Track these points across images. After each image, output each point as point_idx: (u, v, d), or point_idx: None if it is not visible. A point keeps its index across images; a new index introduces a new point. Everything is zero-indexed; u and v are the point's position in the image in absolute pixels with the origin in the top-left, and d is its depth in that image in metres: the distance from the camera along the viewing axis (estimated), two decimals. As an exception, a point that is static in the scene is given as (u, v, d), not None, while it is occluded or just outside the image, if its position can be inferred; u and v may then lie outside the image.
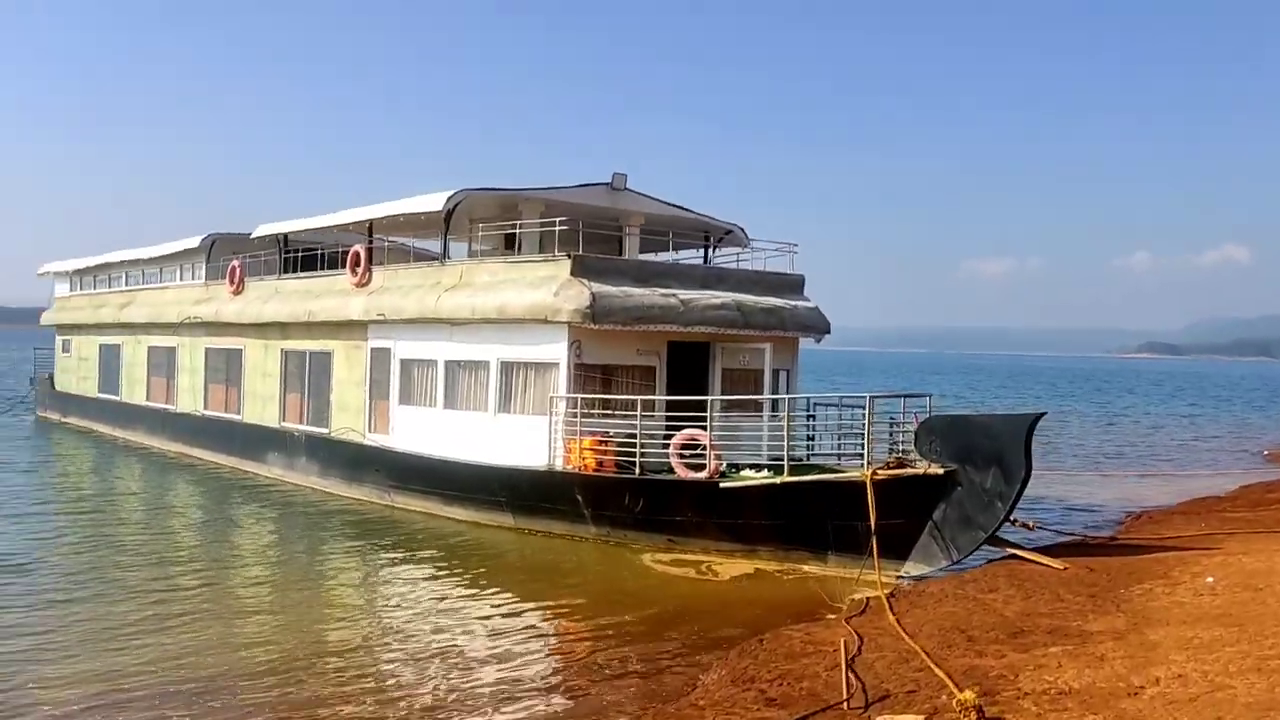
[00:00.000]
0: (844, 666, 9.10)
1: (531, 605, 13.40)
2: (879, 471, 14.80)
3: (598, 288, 17.11)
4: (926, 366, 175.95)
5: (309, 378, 23.18)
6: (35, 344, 43.69)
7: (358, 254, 21.51)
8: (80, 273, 37.01)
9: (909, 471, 14.67)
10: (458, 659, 10.97)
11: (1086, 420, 51.81)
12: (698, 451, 16.25)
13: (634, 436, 16.55)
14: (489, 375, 18.47)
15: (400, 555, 16.51)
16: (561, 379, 17.31)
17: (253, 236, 25.62)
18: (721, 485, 15.77)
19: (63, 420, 36.74)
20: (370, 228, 21.69)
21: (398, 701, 9.59)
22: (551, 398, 17.39)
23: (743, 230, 22.30)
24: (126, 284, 33.43)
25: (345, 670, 10.47)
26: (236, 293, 25.76)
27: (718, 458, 16.16)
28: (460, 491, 18.78)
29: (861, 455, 15.33)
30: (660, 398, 17.58)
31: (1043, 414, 14.37)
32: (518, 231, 19.99)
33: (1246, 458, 34.22)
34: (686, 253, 23.73)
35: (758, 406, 18.43)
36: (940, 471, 14.45)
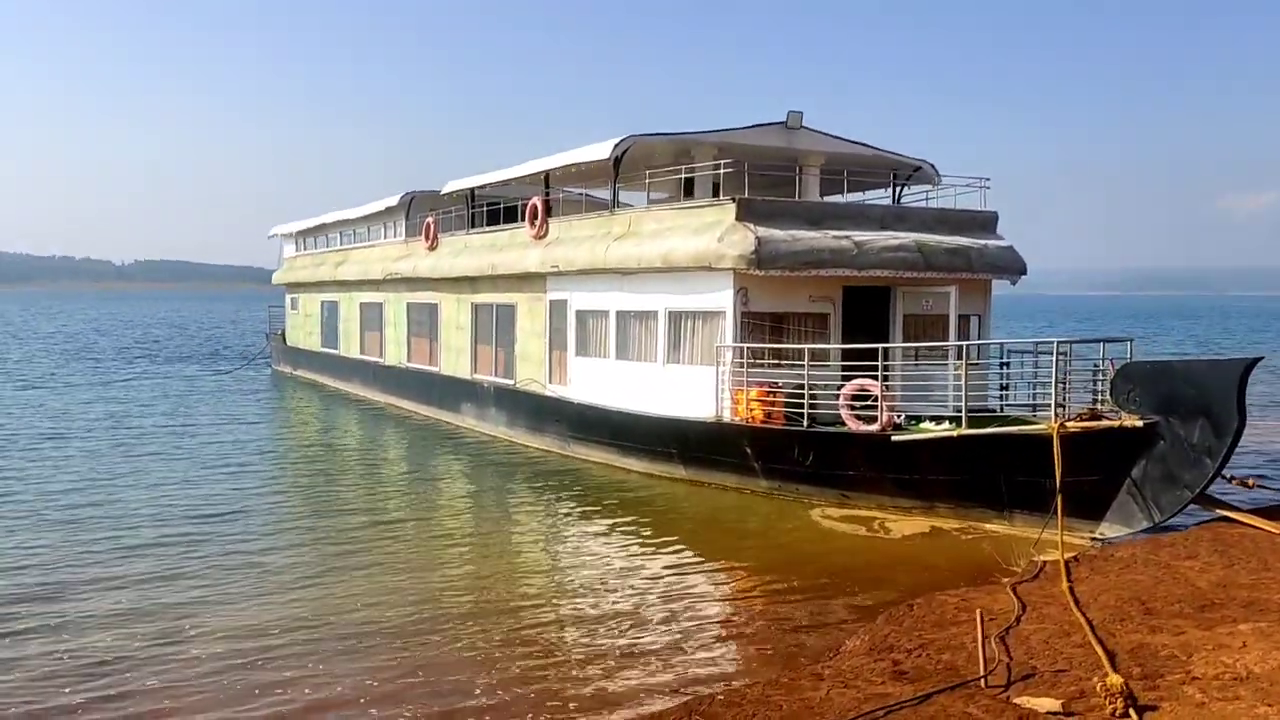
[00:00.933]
0: (980, 639, 8.25)
1: (696, 562, 13.03)
2: (1067, 424, 13.54)
3: (764, 232, 16.39)
4: (1171, 311, 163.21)
5: (496, 330, 23.59)
6: (270, 303, 46.85)
7: (535, 206, 21.58)
8: (302, 234, 39.23)
9: (1103, 424, 13.33)
10: (616, 619, 10.56)
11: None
12: (870, 402, 15.39)
13: (803, 387, 15.83)
14: (657, 325, 18.14)
15: (574, 508, 16.47)
16: (728, 328, 16.76)
17: (442, 193, 26.23)
18: (893, 439, 14.85)
19: (293, 374, 39.24)
20: (546, 179, 21.67)
21: (556, 654, 9.48)
22: (718, 347, 16.88)
23: (933, 166, 20.89)
24: (340, 243, 35.16)
25: (516, 626, 10.29)
26: (431, 248, 26.49)
27: (891, 409, 15.23)
28: (634, 443, 18.62)
29: (1057, 406, 14.04)
30: (833, 346, 16.73)
31: (1259, 359, 12.66)
32: (693, 176, 19.45)
33: None
34: (876, 194, 22.60)
35: (946, 354, 17.28)
36: (1139, 424, 13.05)
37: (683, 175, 18.35)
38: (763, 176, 20.25)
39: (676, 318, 17.81)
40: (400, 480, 19.13)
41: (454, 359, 25.55)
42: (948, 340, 17.05)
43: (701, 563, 13.01)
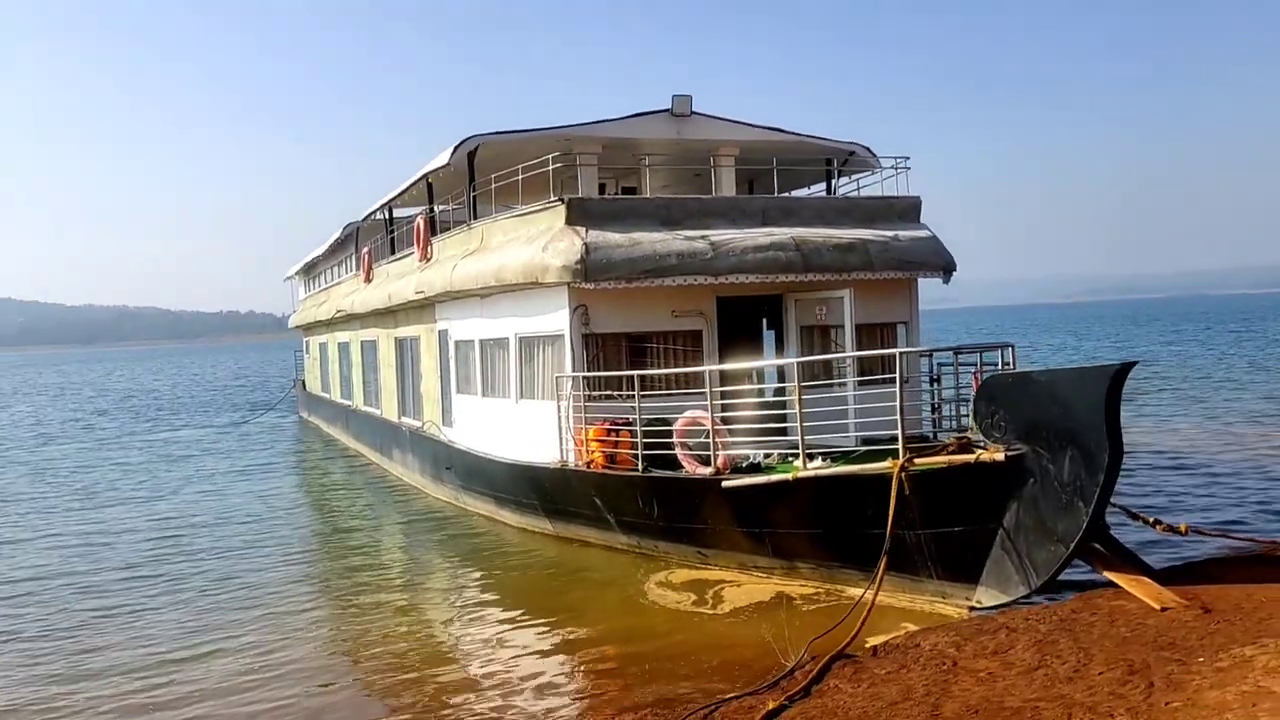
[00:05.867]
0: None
1: (513, 636, 10.83)
2: (915, 460, 10.34)
3: (595, 236, 13.58)
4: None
5: (408, 366, 21.31)
6: (296, 348, 45.85)
7: (418, 226, 19.20)
8: (304, 273, 37.95)
9: (949, 460, 10.08)
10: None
11: None
12: (722, 436, 12.40)
13: (660, 423, 12.93)
14: (509, 354, 15.50)
15: (434, 571, 14.12)
16: (567, 354, 13.99)
17: (364, 219, 24.19)
18: (723, 485, 11.82)
19: (308, 420, 37.66)
20: (429, 194, 19.20)
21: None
22: (557, 378, 14.12)
23: (869, 150, 17.67)
24: (324, 281, 33.62)
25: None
26: (367, 281, 24.45)
27: (728, 446, 12.22)
28: (502, 493, 15.97)
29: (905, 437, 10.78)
30: (670, 370, 13.81)
31: (1131, 364, 9.18)
32: (605, 181, 16.76)
33: None
34: (820, 188, 19.45)
35: (843, 373, 14.14)
36: (1001, 457, 9.76)
37: (518, 175, 15.54)
38: (662, 169, 17.51)
39: (527, 344, 15.13)
40: (289, 546, 16.14)
41: (389, 400, 23.37)
42: (846, 354, 13.86)
43: (515, 637, 10.67)
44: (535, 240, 14.14)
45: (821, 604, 11.13)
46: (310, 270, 36.49)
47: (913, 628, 9.93)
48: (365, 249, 24.64)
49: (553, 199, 14.18)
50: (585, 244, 13.42)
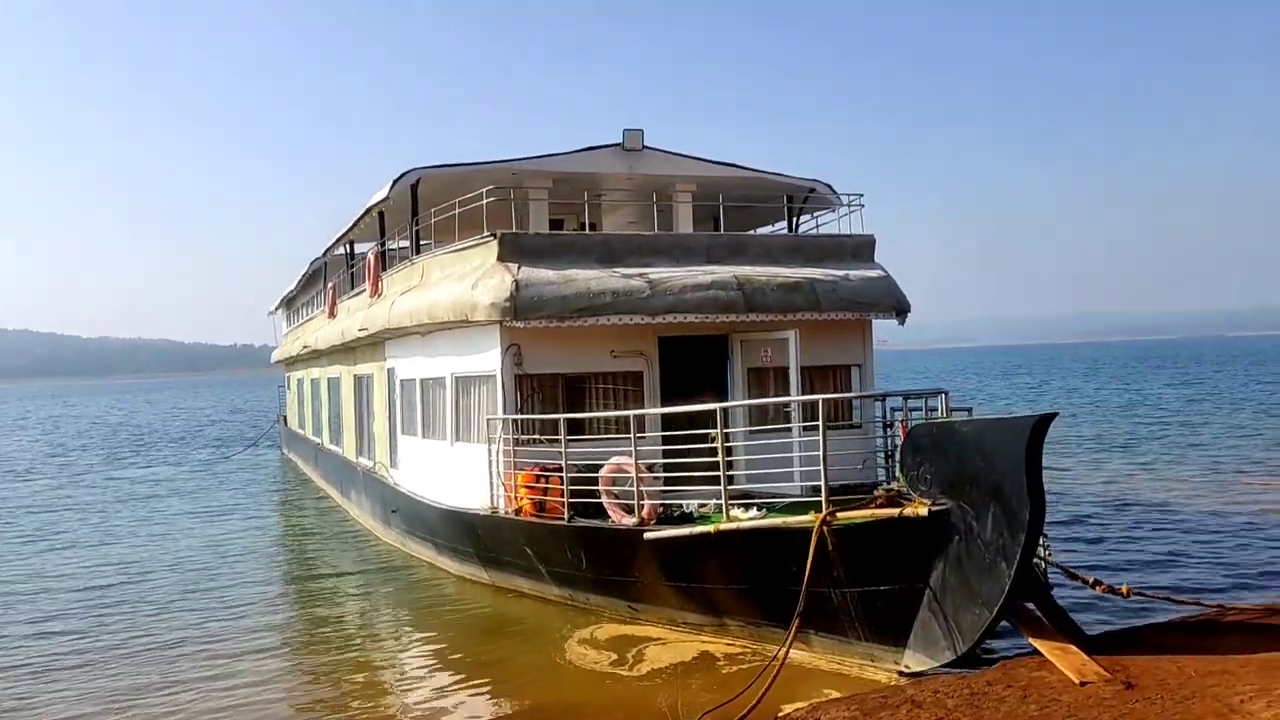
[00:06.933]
0: None
1: (420, 701, 10.10)
2: (838, 514, 9.70)
3: (526, 273, 13.03)
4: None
5: (364, 405, 20.74)
6: (280, 383, 45.34)
7: (369, 261, 18.71)
8: (284, 307, 37.55)
9: (872, 514, 9.43)
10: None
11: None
12: (657, 485, 11.79)
13: (594, 469, 12.29)
14: (445, 394, 14.91)
15: (366, 627, 13.28)
16: (499, 395, 13.39)
17: (323, 253, 23.74)
18: (645, 536, 11.17)
19: (289, 456, 37.05)
20: (380, 227, 18.64)
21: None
22: (489, 420, 13.52)
23: (829, 187, 17.12)
24: (302, 315, 33.17)
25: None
26: (331, 316, 23.95)
27: (652, 495, 11.57)
28: (440, 539, 15.33)
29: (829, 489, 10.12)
30: (603, 414, 13.24)
31: (1052, 416, 8.53)
32: (562, 218, 16.23)
33: None
34: (782, 226, 18.92)
35: (789, 419, 13.52)
36: (924, 512, 9.11)
37: (454, 210, 14.98)
38: (618, 204, 17.01)
39: (464, 384, 14.54)
40: (228, 599, 15.03)
41: (349, 439, 22.77)
42: (790, 399, 13.21)
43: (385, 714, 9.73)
44: (467, 277, 13.61)
45: (746, 664, 10.45)
46: (290, 304, 36.10)
47: (834, 694, 9.28)
48: (330, 283, 24.18)
49: (486, 234, 13.64)
50: (515, 281, 12.86)
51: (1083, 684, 7.69)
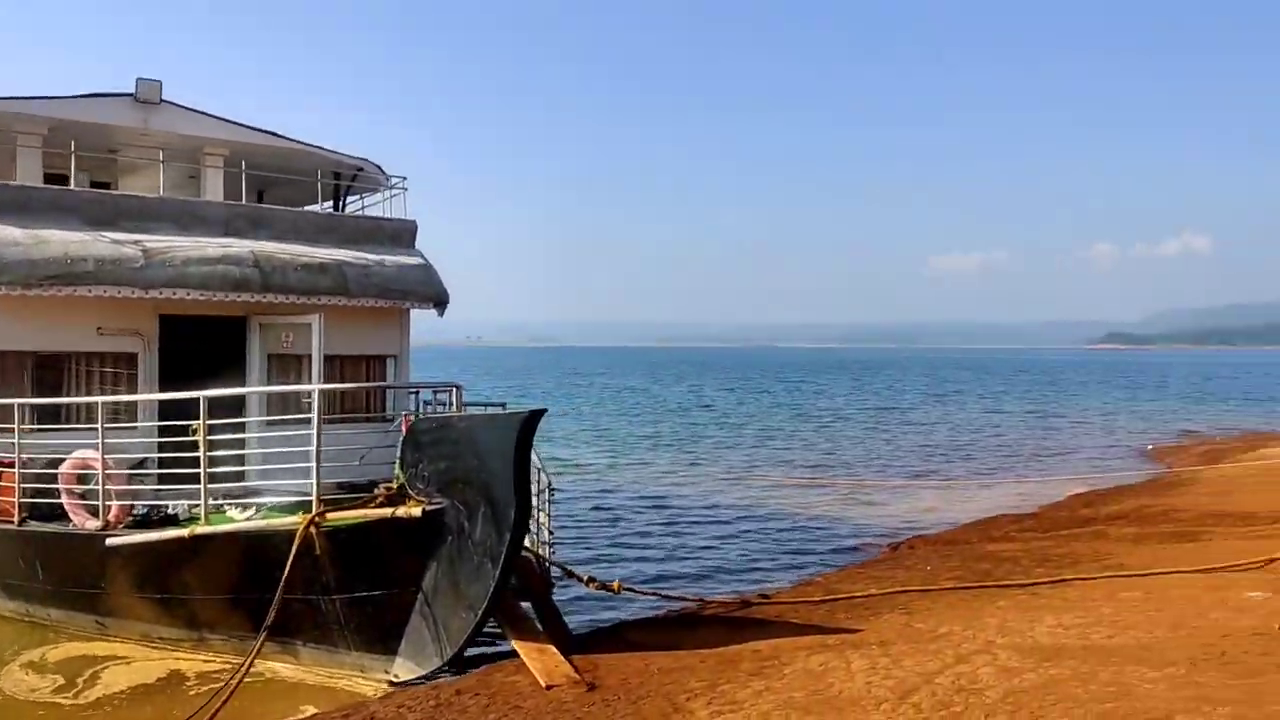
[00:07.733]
0: None
1: None
2: (329, 515, 8.80)
3: (-9, 231, 10.92)
4: (876, 362, 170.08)
5: None
6: None
7: None
8: None
9: (362, 515, 8.65)
10: None
11: (1013, 419, 44.61)
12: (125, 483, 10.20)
13: (54, 463, 10.40)
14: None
15: None
16: (-43, 374, 11.13)
17: None
18: (108, 543, 9.65)
19: None
20: None
21: None
22: (-69, 404, 11.20)
23: (379, 168, 16.11)
24: None
25: None
26: None
27: (123, 495, 10.05)
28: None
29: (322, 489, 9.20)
30: (78, 400, 11.47)
31: (541, 411, 8.27)
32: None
33: (1132, 458, 28.45)
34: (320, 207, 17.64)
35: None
36: (417, 512, 8.44)
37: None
38: (170, 174, 14.97)
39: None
40: None
41: None
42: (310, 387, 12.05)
43: None
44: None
45: (221, 683, 9.22)
46: None
47: (311, 709, 8.38)
48: None
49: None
50: (-28, 238, 10.73)
51: (549, 687, 7.37)
